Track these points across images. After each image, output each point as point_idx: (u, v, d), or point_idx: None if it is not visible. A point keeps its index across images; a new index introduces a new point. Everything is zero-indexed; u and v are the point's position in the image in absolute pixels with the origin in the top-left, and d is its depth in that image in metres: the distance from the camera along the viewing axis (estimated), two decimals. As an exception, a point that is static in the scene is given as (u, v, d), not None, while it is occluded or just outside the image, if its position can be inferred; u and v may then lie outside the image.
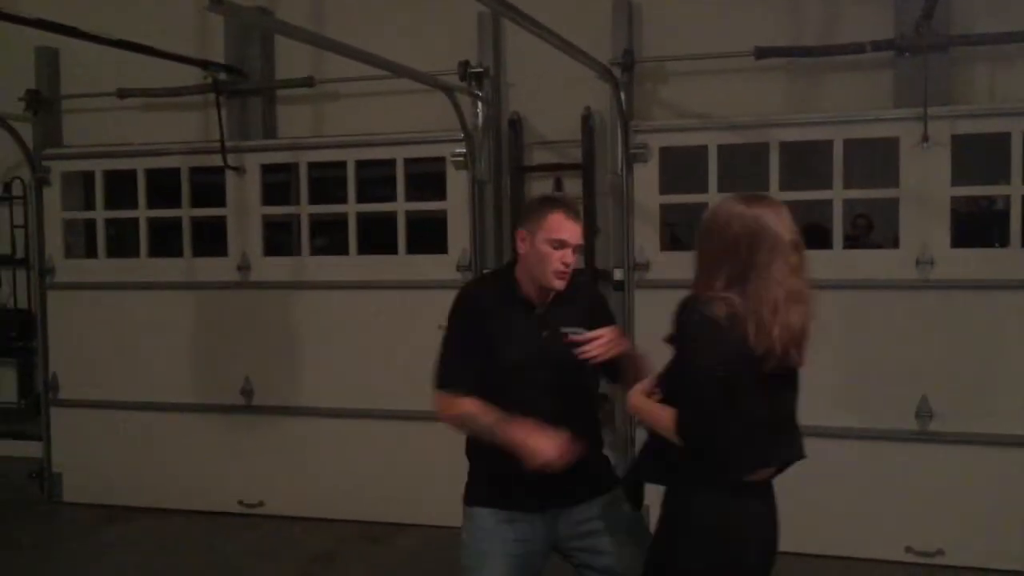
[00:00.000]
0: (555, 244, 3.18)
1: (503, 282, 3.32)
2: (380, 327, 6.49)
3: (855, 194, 5.92)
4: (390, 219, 6.52)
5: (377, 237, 6.68)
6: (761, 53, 5.81)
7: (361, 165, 6.62)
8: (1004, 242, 5.58)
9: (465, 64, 6.33)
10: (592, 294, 3.52)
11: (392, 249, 6.53)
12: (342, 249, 6.68)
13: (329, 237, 7.05)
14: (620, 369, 3.25)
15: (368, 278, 6.55)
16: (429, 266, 6.43)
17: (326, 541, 6.25)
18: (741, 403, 2.62)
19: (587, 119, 6.26)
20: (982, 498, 5.50)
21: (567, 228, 3.20)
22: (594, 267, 6.28)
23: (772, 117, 5.92)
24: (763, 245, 2.62)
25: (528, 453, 2.99)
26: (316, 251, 6.81)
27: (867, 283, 5.68)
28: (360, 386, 6.55)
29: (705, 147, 5.96)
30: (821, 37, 5.90)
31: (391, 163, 6.50)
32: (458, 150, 6.33)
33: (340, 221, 6.68)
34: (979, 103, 5.66)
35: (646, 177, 6.08)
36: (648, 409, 2.80)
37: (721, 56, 5.99)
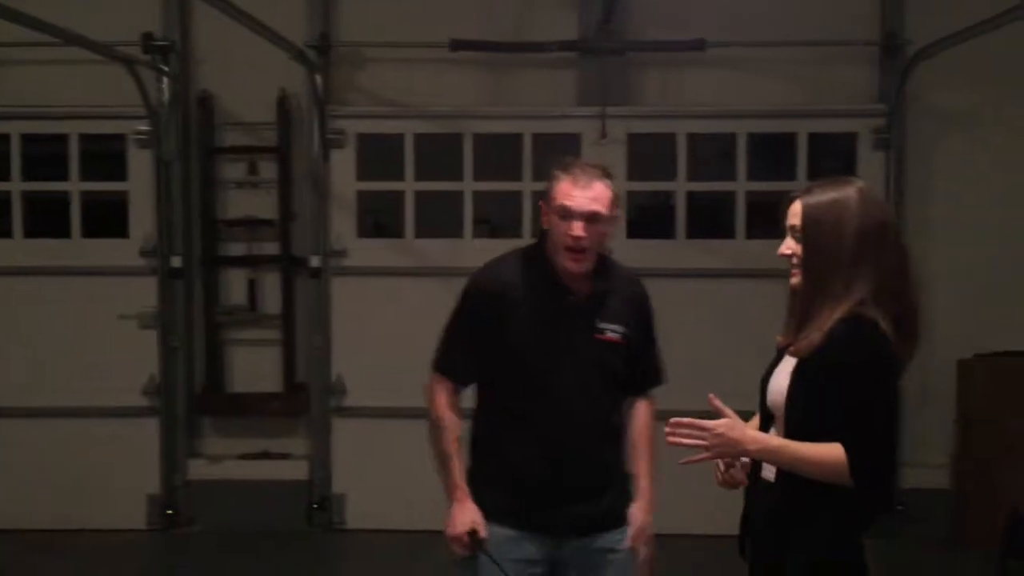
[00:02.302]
0: (562, 213, 2.73)
1: (531, 259, 2.87)
2: (53, 317, 6.02)
3: (545, 186, 6.21)
4: (63, 200, 6.09)
5: (49, 219, 6.22)
6: (456, 45, 5.95)
7: (30, 140, 6.13)
8: (671, 234, 6.10)
9: (148, 36, 5.96)
10: (639, 295, 2.96)
11: (65, 233, 6.10)
12: (6, 232, 6.15)
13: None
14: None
15: (38, 263, 6.09)
16: (108, 251, 6.10)
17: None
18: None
19: (283, 101, 6.13)
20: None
21: (574, 195, 2.72)
22: (290, 253, 6.17)
23: (466, 109, 6.11)
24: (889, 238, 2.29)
25: (450, 515, 2.81)
26: (-26, 234, 6.17)
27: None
28: (33, 382, 6.03)
29: (402, 135, 6.04)
30: (514, 34, 6.14)
31: (64, 139, 6.06)
32: (141, 127, 6.03)
33: (4, 201, 6.14)
34: (652, 105, 6.15)
35: (343, 163, 6.08)
36: (796, 450, 2.24)
37: (418, 45, 6.07)
